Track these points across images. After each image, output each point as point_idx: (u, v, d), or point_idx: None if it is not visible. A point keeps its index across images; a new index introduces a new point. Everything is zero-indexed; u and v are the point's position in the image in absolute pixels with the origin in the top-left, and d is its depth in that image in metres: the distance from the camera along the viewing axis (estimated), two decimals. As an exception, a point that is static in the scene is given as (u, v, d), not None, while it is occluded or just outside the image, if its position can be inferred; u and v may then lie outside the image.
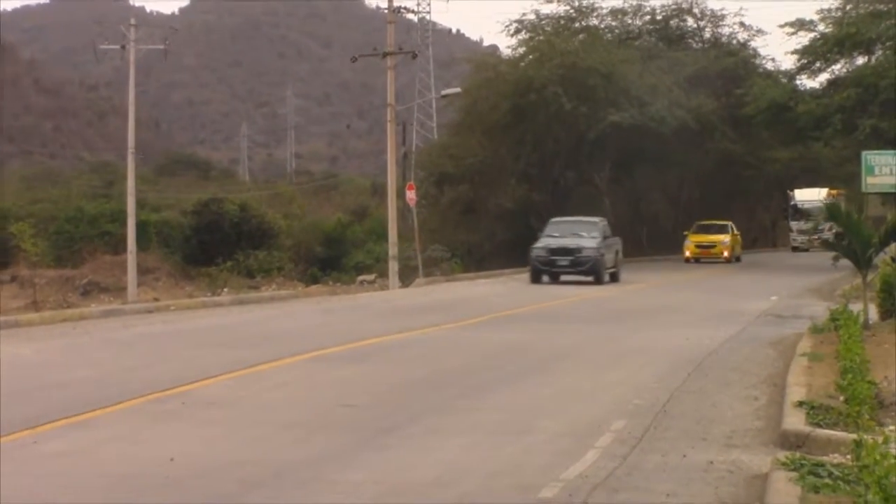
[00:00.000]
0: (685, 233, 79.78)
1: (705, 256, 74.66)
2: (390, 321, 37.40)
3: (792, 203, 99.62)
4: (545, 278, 60.66)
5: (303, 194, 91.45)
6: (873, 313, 34.17)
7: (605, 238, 61.21)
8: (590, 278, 58.78)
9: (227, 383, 23.16)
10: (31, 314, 41.36)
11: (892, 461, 11.35)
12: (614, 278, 61.12)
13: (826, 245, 50.68)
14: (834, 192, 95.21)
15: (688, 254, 76.33)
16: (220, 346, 30.47)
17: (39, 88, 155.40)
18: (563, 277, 61.24)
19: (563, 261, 58.86)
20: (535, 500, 13.18)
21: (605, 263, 59.17)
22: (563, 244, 60.19)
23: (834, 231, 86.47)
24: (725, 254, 73.67)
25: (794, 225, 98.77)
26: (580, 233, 61.39)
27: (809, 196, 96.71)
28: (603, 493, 13.58)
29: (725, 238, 73.97)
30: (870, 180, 38.54)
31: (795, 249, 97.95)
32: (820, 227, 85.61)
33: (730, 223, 77.34)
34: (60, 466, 15.34)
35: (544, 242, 61.26)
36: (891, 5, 79.77)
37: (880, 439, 12.58)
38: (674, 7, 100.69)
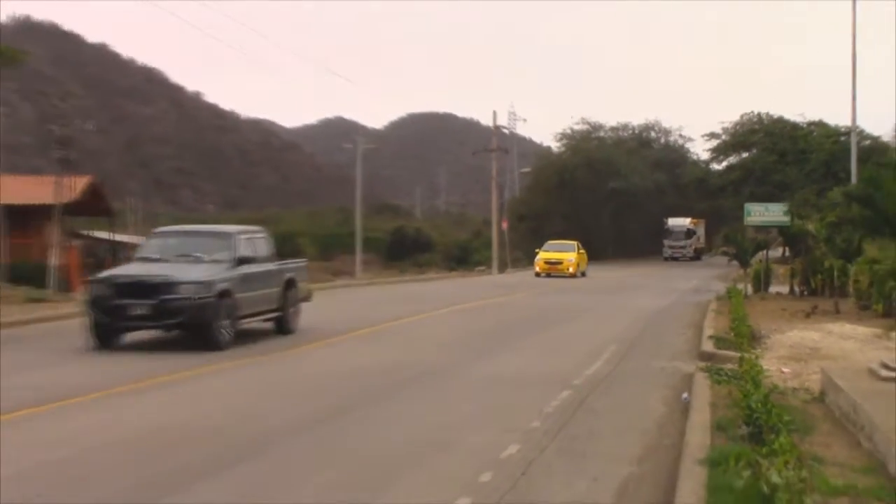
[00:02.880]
0: (537, 250, 56.54)
1: (553, 272, 51.72)
2: (491, 291, 37.19)
3: (666, 227, 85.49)
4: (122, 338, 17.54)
5: (448, 224, 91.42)
6: (750, 290, 33.81)
7: (241, 263, 18.47)
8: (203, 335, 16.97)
9: (403, 322, 23.27)
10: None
11: (759, 367, 11.32)
12: (282, 328, 19.89)
13: (724, 253, 50.47)
14: (695, 221, 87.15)
15: (537, 269, 53.24)
16: (402, 301, 30.30)
17: (312, 168, 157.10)
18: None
19: (140, 308, 16.87)
20: (571, 385, 13.08)
21: (223, 310, 17.19)
22: (142, 275, 17.61)
23: (693, 248, 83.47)
24: (571, 269, 51.69)
25: (666, 242, 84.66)
26: (195, 253, 19.02)
27: (678, 223, 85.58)
28: (606, 383, 13.62)
29: (571, 256, 52.58)
30: (749, 219, 38.21)
31: (666, 259, 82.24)
32: (683, 245, 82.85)
33: (576, 243, 56.24)
34: (331, 358, 15.85)
35: (114, 272, 18.99)
36: (760, 126, 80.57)
37: (753, 356, 12.55)
38: (643, 126, 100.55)
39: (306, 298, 21.82)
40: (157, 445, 9.11)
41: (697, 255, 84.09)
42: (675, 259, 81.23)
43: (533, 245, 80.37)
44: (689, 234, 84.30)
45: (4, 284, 30.26)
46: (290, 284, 20.47)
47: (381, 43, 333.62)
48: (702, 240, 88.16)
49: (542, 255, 53.68)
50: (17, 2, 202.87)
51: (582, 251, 55.08)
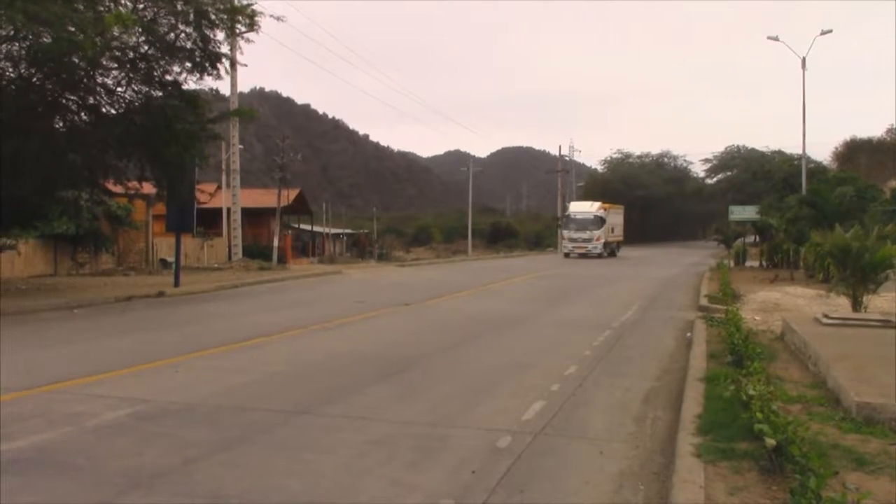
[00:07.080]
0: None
1: None
2: (556, 264, 36.84)
3: (566, 213, 48.85)
4: None
5: (528, 220, 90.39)
6: (732, 264, 32.87)
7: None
8: None
9: (498, 285, 23.18)
10: (432, 259, 41.68)
11: (739, 316, 11.03)
12: None
13: (715, 239, 48.76)
14: (606, 205, 48.71)
15: None
16: (498, 270, 30.23)
17: (440, 183, 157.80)
18: None
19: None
20: (610, 327, 12.86)
21: None
22: None
23: (603, 241, 45.40)
24: None
25: (566, 233, 47.09)
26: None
27: (583, 208, 47.57)
28: (635, 325, 13.33)
29: None
30: (732, 217, 37.21)
31: (567, 255, 45.61)
32: (588, 237, 45.52)
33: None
34: (452, 308, 15.44)
35: None
36: (739, 154, 78.89)
37: (735, 308, 12.22)
38: (660, 154, 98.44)
39: None
40: (342, 363, 9.17)
41: (611, 252, 47.61)
42: (581, 256, 44.74)
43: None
44: (598, 222, 46.23)
45: (244, 258, 31.54)
46: None
47: (487, 102, 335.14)
48: (617, 230, 50.63)
49: None
50: (253, 78, 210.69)
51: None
